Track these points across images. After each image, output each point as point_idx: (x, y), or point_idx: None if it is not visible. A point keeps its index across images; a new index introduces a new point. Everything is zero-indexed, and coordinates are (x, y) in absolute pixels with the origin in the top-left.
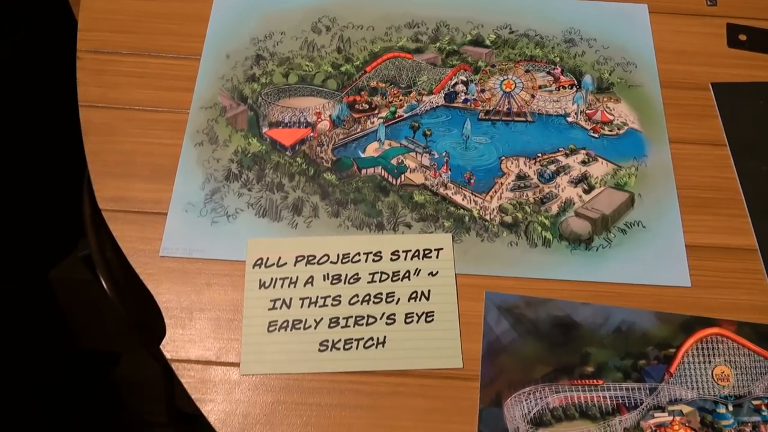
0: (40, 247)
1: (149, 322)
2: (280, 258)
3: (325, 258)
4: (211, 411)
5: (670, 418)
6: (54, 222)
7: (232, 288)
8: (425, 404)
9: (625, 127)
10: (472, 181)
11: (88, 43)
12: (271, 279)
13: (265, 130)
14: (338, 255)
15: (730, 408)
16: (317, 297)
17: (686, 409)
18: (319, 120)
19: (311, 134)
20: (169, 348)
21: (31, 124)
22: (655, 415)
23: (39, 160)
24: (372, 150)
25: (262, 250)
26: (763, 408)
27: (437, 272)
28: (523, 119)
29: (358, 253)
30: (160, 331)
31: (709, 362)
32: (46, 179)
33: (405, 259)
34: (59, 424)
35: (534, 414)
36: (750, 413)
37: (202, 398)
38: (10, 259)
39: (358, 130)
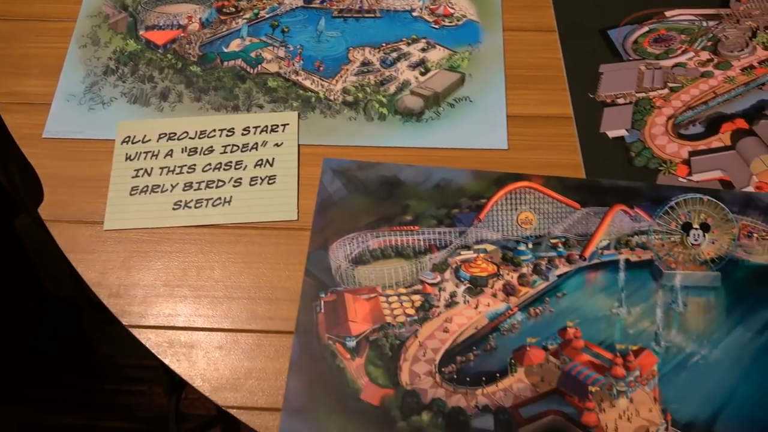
0: None
1: (34, 194)
2: (145, 136)
3: (185, 134)
4: (79, 261)
5: (475, 255)
6: None
7: (103, 162)
8: (262, 250)
9: (464, 19)
10: (322, 68)
11: None
12: (136, 153)
13: (141, 32)
14: (196, 132)
15: (530, 246)
16: (174, 166)
17: (490, 247)
18: (190, 22)
19: (182, 34)
20: (45, 211)
21: None
22: (462, 253)
23: None
24: (234, 46)
25: (129, 130)
26: (559, 245)
27: (282, 143)
28: (372, 15)
29: (214, 130)
30: (39, 198)
31: (516, 209)
32: None
33: (254, 133)
34: (30, 371)
35: (355, 255)
36: (547, 250)
37: (74, 253)
38: None
39: (224, 29)
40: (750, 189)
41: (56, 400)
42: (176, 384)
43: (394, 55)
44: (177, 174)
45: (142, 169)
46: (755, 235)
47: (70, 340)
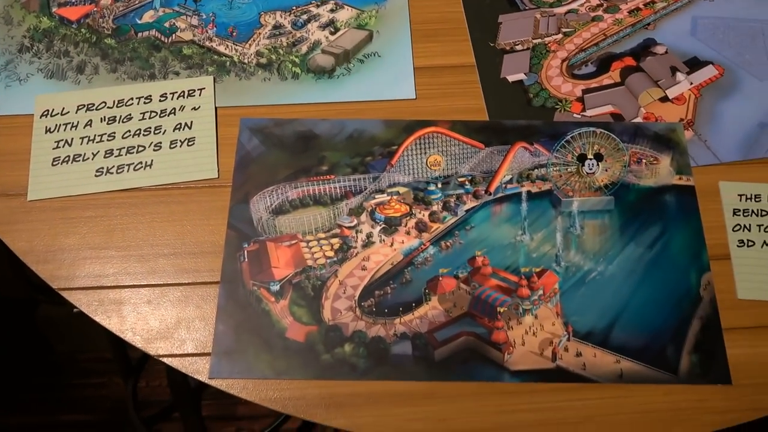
0: None
1: None
2: (63, 108)
3: (103, 104)
4: (5, 232)
5: (389, 197)
6: None
7: (23, 136)
8: (185, 208)
9: None
10: (234, 33)
11: None
12: (56, 125)
13: (54, 9)
14: (114, 101)
15: (439, 186)
16: (95, 135)
17: (402, 190)
18: None
19: (95, 9)
20: None
21: None
22: (376, 196)
23: None
24: (148, 17)
25: (47, 103)
26: (466, 183)
27: (199, 107)
28: None
29: (132, 98)
30: None
31: (425, 153)
32: None
33: (172, 99)
34: None
35: (275, 206)
36: (455, 188)
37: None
38: None
39: (137, 2)
40: (638, 120)
41: (18, 400)
42: (132, 369)
43: (305, 17)
44: (97, 143)
45: (62, 140)
46: (644, 161)
47: (26, 339)
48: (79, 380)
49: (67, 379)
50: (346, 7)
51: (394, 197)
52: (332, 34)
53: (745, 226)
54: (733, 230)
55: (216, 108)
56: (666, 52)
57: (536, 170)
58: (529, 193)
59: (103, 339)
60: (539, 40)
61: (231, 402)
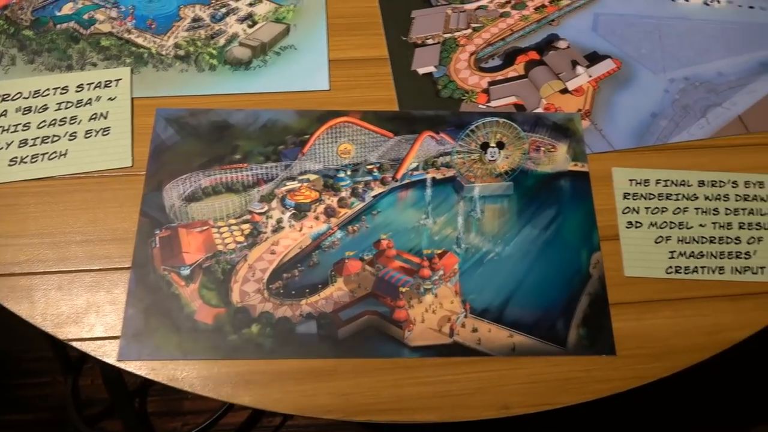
0: None
1: None
2: None
3: (18, 95)
4: None
5: (299, 184)
6: None
7: None
8: (99, 196)
9: None
10: (154, 26)
11: None
12: None
13: None
14: (30, 92)
15: (349, 173)
16: (9, 125)
17: (313, 177)
18: None
19: (13, 1)
20: None
21: None
22: (287, 184)
23: None
24: (67, 9)
25: None
26: (375, 170)
27: (116, 97)
28: None
29: (48, 89)
30: None
31: (336, 142)
32: None
33: (88, 90)
34: None
35: (188, 193)
36: (364, 175)
37: None
38: None
39: None
40: (539, 110)
41: None
42: (72, 367)
43: (224, 10)
44: (12, 132)
45: None
46: (542, 148)
47: None
48: (21, 380)
49: (9, 380)
50: (264, 1)
51: (305, 184)
52: (250, 27)
53: (634, 208)
54: (623, 213)
55: (132, 99)
56: (568, 47)
57: (441, 158)
58: (433, 179)
59: (42, 338)
60: (449, 35)
61: (177, 398)
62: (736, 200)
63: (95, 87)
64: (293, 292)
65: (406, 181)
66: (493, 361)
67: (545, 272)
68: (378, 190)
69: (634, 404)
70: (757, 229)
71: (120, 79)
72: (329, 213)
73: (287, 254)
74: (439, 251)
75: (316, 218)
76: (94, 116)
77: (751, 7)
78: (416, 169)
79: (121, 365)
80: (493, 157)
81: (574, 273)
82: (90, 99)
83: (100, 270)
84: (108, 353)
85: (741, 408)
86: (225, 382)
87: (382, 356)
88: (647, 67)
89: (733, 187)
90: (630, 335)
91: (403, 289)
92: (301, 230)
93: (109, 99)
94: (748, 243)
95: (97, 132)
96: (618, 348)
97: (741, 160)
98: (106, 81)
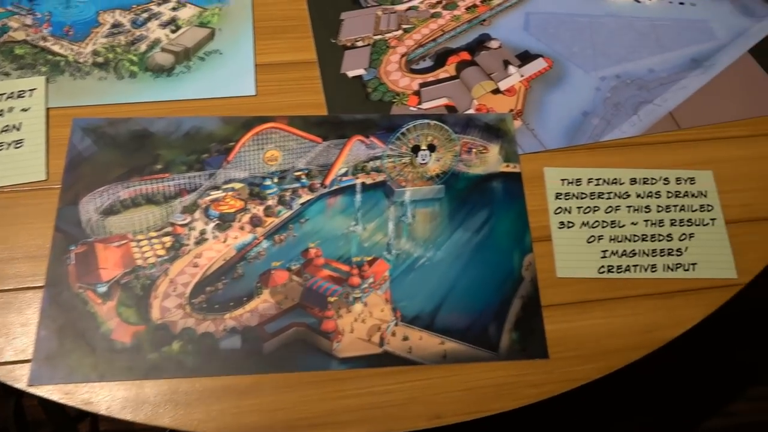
0: None
1: None
2: None
3: None
4: None
5: (224, 194)
6: None
7: None
8: (11, 212)
9: None
10: (71, 33)
11: None
12: None
13: None
14: None
15: (275, 180)
16: None
17: (238, 185)
18: None
19: None
20: None
21: None
22: (211, 193)
23: None
24: None
25: None
26: (303, 177)
27: (29, 108)
28: None
29: None
30: None
31: (262, 149)
32: None
33: (0, 101)
34: None
35: (105, 206)
36: (291, 182)
37: None
38: None
39: None
40: (471, 111)
41: None
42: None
43: (145, 15)
44: None
45: None
46: (474, 150)
47: None
48: None
49: None
50: (188, 5)
51: (230, 193)
52: (173, 32)
53: (565, 208)
54: (555, 213)
55: (48, 109)
56: (499, 47)
57: (371, 162)
58: (363, 184)
59: None
60: (380, 36)
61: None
62: (668, 197)
63: (8, 98)
64: (216, 306)
65: (335, 188)
66: (424, 370)
67: (477, 276)
68: (306, 197)
69: (596, 403)
70: (688, 226)
71: (34, 89)
72: (255, 222)
73: (211, 267)
74: (369, 258)
75: (242, 228)
76: (6, 128)
77: (681, 3)
78: (345, 174)
79: (33, 390)
80: (424, 160)
81: (507, 276)
82: (2, 110)
83: (10, 290)
84: (18, 378)
85: (691, 403)
86: (144, 402)
87: (310, 369)
88: (579, 66)
89: (665, 183)
90: (563, 337)
91: (332, 299)
92: (225, 241)
93: (23, 110)
94: (680, 240)
95: (9, 145)
96: (551, 351)
97: (672, 156)
98: (20, 91)
